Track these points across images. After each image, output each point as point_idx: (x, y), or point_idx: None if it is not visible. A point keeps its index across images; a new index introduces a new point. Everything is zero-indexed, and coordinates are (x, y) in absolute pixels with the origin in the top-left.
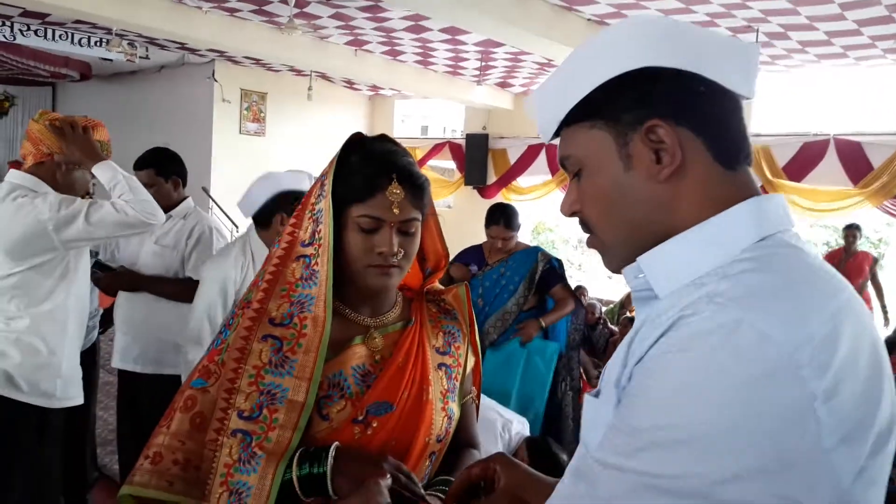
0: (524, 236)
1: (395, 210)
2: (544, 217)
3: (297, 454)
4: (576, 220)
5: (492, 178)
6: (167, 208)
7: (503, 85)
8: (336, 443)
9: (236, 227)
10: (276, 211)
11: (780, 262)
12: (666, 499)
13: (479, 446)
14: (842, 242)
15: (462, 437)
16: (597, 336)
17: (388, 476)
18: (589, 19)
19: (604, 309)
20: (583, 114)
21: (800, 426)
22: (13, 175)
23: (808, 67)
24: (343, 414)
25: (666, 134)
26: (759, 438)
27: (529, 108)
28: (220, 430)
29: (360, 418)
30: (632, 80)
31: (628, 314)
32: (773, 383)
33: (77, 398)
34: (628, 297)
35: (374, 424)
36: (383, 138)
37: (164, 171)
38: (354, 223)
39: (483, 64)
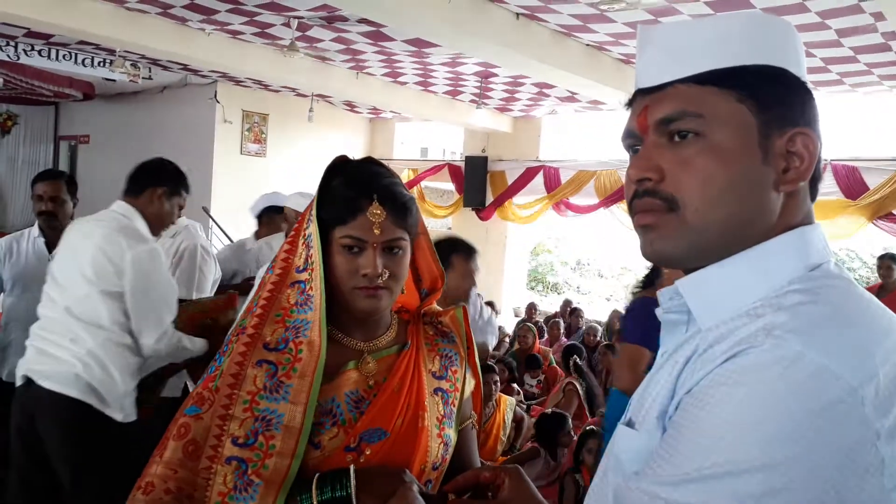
0: (522, 259)
1: (375, 231)
2: (542, 239)
3: (315, 479)
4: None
5: (490, 200)
6: None
7: (502, 109)
8: (352, 465)
9: None
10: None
11: (836, 295)
12: None
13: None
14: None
15: (461, 466)
16: (596, 359)
17: (415, 485)
18: (588, 45)
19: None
20: (730, 81)
21: (861, 466)
22: (116, 205)
23: None
24: (335, 442)
25: (811, 147)
26: (817, 476)
27: (655, 35)
28: (213, 457)
29: (353, 446)
30: (790, 78)
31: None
32: (836, 420)
33: (133, 415)
34: (611, 316)
35: (368, 452)
36: (367, 160)
37: None
38: (339, 245)
39: (482, 89)
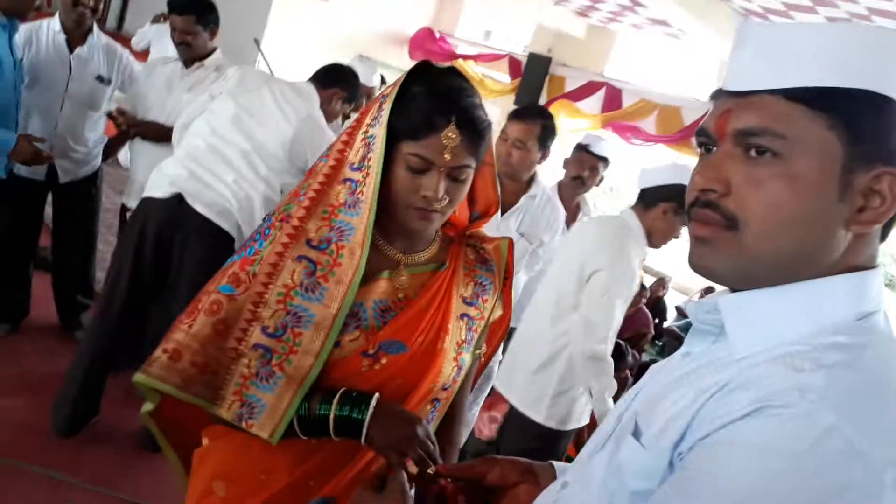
0: (556, 176)
1: (446, 155)
2: None
3: (339, 394)
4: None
5: (543, 104)
6: (200, 58)
7: (582, 13)
8: (377, 394)
9: None
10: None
11: (879, 361)
12: None
13: (462, 404)
14: None
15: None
16: None
17: (411, 458)
18: None
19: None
20: (823, 103)
21: None
22: (306, 85)
23: None
24: (354, 344)
25: (892, 190)
26: None
27: (754, 35)
28: (241, 340)
29: (371, 352)
30: (893, 108)
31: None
32: (853, 502)
33: None
34: (658, 283)
35: (384, 361)
36: (452, 72)
37: (204, 20)
38: (404, 160)
39: None
